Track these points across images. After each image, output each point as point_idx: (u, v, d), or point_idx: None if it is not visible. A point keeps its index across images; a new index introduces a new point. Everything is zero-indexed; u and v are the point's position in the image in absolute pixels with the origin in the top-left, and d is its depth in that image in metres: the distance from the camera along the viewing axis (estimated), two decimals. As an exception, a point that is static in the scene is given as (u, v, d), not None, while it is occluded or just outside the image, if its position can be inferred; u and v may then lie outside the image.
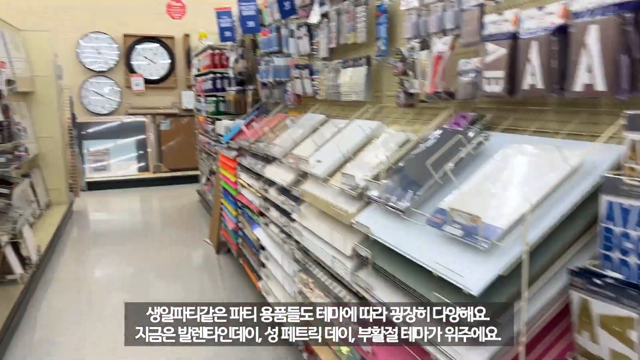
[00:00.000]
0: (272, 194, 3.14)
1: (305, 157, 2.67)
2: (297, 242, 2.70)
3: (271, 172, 3.23)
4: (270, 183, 3.27)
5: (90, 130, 8.92)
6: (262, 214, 3.45)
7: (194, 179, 8.88)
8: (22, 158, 3.84)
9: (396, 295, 1.65)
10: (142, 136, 9.17)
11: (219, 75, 5.67)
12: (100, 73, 9.05)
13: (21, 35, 6.25)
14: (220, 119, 5.57)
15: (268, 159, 3.44)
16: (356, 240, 1.96)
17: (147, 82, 9.23)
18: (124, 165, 9.03)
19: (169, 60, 9.38)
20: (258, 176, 3.53)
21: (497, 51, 1.67)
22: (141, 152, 9.15)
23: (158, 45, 9.29)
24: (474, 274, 1.28)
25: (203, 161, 6.91)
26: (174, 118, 9.38)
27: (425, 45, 2.13)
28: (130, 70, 9.15)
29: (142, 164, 9.14)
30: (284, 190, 3.00)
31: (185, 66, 9.48)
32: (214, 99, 5.73)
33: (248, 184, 3.76)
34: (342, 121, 2.81)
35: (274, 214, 3.14)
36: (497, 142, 1.67)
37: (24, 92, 6.09)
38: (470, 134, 1.72)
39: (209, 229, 5.77)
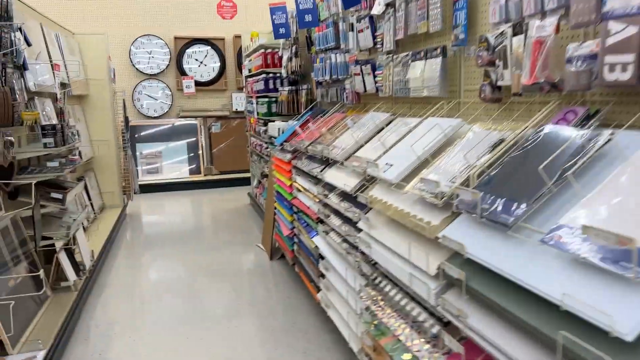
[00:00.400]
0: (333, 200, 2.91)
1: (373, 160, 2.42)
2: (363, 253, 2.46)
3: (331, 176, 3.00)
4: (331, 188, 3.04)
5: (142, 133, 8.99)
6: (320, 221, 3.23)
7: (244, 182, 8.81)
8: (75, 162, 3.77)
9: (496, 325, 1.38)
10: (193, 139, 9.17)
11: (271, 75, 5.50)
12: (152, 76, 9.11)
13: (76, 39, 6.29)
14: (272, 121, 5.40)
15: (327, 162, 3.21)
16: (441, 256, 1.69)
17: (198, 84, 9.22)
18: (176, 167, 9.05)
19: (220, 62, 9.34)
20: (316, 180, 3.30)
21: (624, 30, 1.36)
22: (192, 154, 9.15)
23: (208, 47, 9.26)
24: (624, 312, 0.99)
25: (254, 164, 6.77)
26: (224, 120, 9.34)
27: (518, 29, 1.84)
28: (181, 72, 9.16)
29: (193, 166, 9.13)
30: (346, 197, 2.76)
31: (236, 68, 9.42)
32: (266, 99, 5.57)
33: (304, 188, 3.54)
34: (412, 119, 2.54)
35: (335, 221, 2.90)
36: (624, 142, 1.37)
37: (79, 95, 6.12)
38: (589, 133, 1.42)
39: (261, 233, 5.61)
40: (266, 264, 4.78)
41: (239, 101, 9.43)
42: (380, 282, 2.29)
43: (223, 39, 9.31)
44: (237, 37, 9.17)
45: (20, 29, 3.75)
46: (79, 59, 6.05)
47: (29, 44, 3.88)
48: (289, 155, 4.03)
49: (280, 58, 5.41)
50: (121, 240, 5.77)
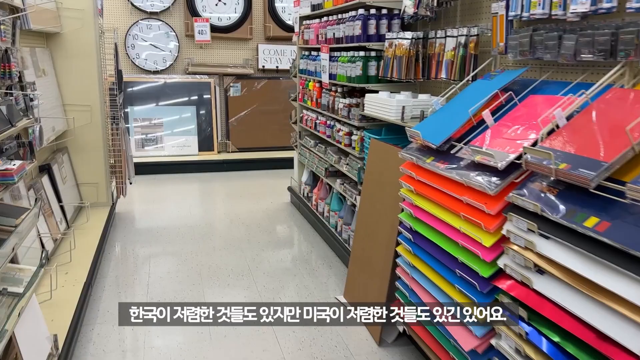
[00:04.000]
0: None
1: None
2: None
3: None
4: None
5: (136, 93, 6.66)
6: None
7: (270, 165, 6.59)
8: (8, 178, 1.54)
9: None
10: (205, 104, 6.87)
11: (373, 12, 3.23)
12: (153, 15, 6.72)
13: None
14: (375, 91, 3.18)
15: None
16: None
17: (214, 29, 6.85)
18: (180, 142, 6.76)
19: (244, 1, 6.94)
20: None
21: None
22: (203, 125, 6.86)
23: (229, -21, 6.87)
24: None
25: (308, 151, 4.56)
26: (246, 81, 7.03)
27: None
28: (193, 12, 6.77)
29: (204, 141, 6.85)
30: None
31: (265, 10, 7.04)
32: (361, 54, 3.32)
33: (601, 287, 1.39)
34: None
35: None
36: None
37: (44, 32, 3.81)
38: None
39: (344, 278, 3.45)
40: (373, 354, 2.66)
41: (267, 56, 7.11)
42: None
43: (250, -30, 6.91)
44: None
45: None
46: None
47: None
48: (496, 182, 1.83)
49: (393, -17, 3.15)
50: (107, 271, 3.57)
